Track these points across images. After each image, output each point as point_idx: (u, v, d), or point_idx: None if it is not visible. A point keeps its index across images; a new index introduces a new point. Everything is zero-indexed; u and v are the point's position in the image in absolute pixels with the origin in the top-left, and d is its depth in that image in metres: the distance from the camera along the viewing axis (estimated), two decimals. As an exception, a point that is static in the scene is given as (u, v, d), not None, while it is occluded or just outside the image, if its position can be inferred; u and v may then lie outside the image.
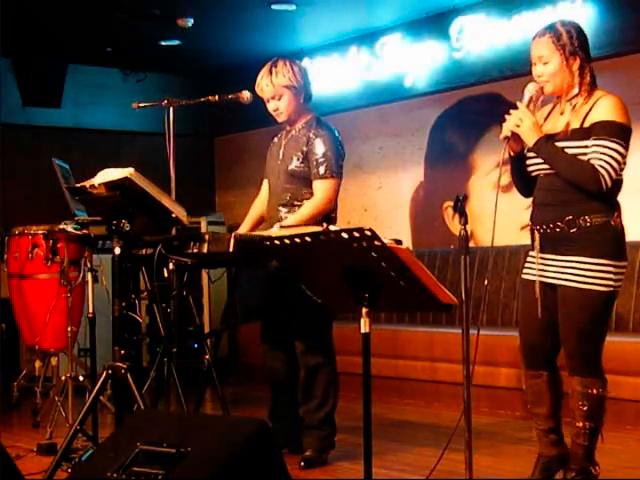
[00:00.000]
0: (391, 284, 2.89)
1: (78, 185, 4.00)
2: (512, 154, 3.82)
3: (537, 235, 3.77)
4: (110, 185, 3.83)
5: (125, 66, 8.73)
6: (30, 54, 8.05)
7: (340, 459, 4.59)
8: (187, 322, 5.21)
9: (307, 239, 2.91)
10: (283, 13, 7.12)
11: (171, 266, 4.51)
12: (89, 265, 5.17)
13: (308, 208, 4.50)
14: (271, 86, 4.52)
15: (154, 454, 2.86)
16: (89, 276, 5.15)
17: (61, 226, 5.02)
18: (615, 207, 3.70)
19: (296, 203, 4.55)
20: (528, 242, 3.89)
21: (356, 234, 2.79)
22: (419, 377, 6.44)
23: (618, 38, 6.20)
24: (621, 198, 3.73)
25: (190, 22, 7.22)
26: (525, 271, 3.87)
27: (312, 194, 4.54)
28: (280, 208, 4.57)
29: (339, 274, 2.93)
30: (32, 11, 6.86)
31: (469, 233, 3.37)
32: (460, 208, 3.36)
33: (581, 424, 3.70)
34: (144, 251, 4.35)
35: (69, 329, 5.18)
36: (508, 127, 3.71)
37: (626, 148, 3.64)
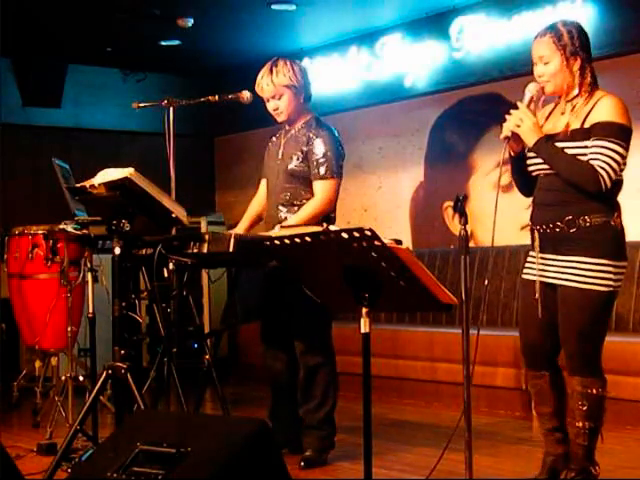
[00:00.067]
0: (391, 284, 2.89)
1: (78, 185, 4.00)
2: (512, 154, 3.82)
3: (537, 235, 3.77)
4: (110, 185, 3.83)
5: (125, 66, 8.73)
6: (30, 54, 8.05)
7: (340, 459, 4.59)
8: (187, 322, 5.21)
9: (307, 239, 2.91)
10: (283, 13, 7.12)
11: (171, 266, 4.51)
12: (89, 265, 5.17)
13: (309, 208, 4.50)
14: (271, 85, 4.52)
15: (154, 454, 2.86)
16: (89, 276, 5.15)
17: (61, 226, 5.02)
18: (615, 207, 3.70)
19: (296, 203, 4.55)
20: (528, 242, 3.89)
21: (356, 234, 2.79)
22: (419, 377, 6.43)
23: (618, 38, 6.20)
24: (621, 198, 3.73)
25: (190, 22, 7.22)
26: (525, 271, 3.87)
27: (311, 194, 4.54)
28: (280, 208, 4.57)
29: (339, 274, 2.93)
30: (32, 11, 6.86)
31: (469, 233, 3.37)
32: (460, 208, 3.36)
33: (581, 424, 3.70)
34: (144, 251, 4.35)
35: (69, 329, 5.18)
36: (508, 127, 3.71)
37: (626, 149, 3.64)
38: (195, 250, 4.18)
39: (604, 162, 3.58)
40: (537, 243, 3.77)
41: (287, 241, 2.96)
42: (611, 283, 3.65)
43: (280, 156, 4.63)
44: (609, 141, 3.59)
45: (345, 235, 2.81)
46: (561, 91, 3.75)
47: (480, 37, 6.94)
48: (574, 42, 3.69)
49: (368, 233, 2.77)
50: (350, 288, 2.94)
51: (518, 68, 6.34)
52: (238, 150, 9.03)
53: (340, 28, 7.64)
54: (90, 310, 5.01)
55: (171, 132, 4.64)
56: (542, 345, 3.81)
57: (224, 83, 7.87)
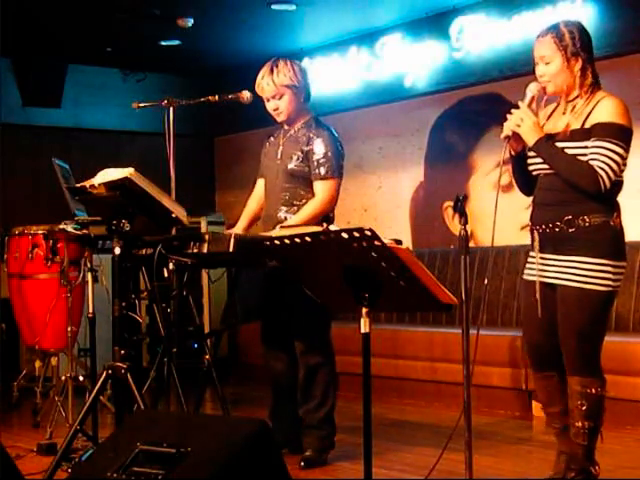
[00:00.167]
0: (391, 284, 2.89)
1: (78, 185, 4.00)
2: (513, 153, 3.82)
3: (537, 235, 3.77)
4: (110, 185, 3.83)
5: (125, 66, 8.73)
6: (30, 54, 8.05)
7: (340, 459, 4.59)
8: (187, 322, 5.22)
9: (307, 239, 2.91)
10: (283, 13, 7.12)
11: (171, 266, 4.51)
12: (89, 265, 5.17)
13: (309, 208, 4.50)
14: (272, 85, 4.52)
15: (154, 454, 2.86)
16: (89, 276, 5.15)
17: (61, 226, 5.02)
18: (615, 207, 3.70)
19: (295, 202, 4.55)
20: (528, 242, 3.89)
21: (356, 234, 2.79)
22: (419, 377, 6.43)
23: (618, 38, 6.20)
24: (621, 198, 3.73)
25: (190, 22, 7.22)
26: (526, 272, 3.87)
27: (311, 193, 4.54)
28: (280, 207, 4.57)
29: (339, 274, 2.93)
30: (32, 11, 6.86)
31: (469, 233, 3.37)
32: (460, 208, 3.36)
33: (580, 424, 3.70)
34: (144, 251, 4.35)
35: (69, 329, 5.18)
36: (509, 126, 3.72)
37: (626, 150, 3.64)
38: (195, 250, 4.18)
39: (604, 163, 3.58)
40: (537, 243, 3.77)
41: (287, 241, 2.96)
42: (610, 283, 3.65)
43: (279, 156, 4.63)
44: (609, 142, 3.59)
45: (345, 235, 2.81)
46: (562, 91, 3.75)
47: (480, 37, 6.94)
48: (575, 42, 3.69)
49: (368, 233, 2.77)
50: (350, 288, 2.94)
51: (518, 68, 6.35)
52: (238, 150, 9.03)
53: (340, 28, 7.64)
54: (90, 310, 5.01)
55: (171, 132, 4.64)
56: (547, 346, 3.79)
57: (224, 83, 7.87)
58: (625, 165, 3.67)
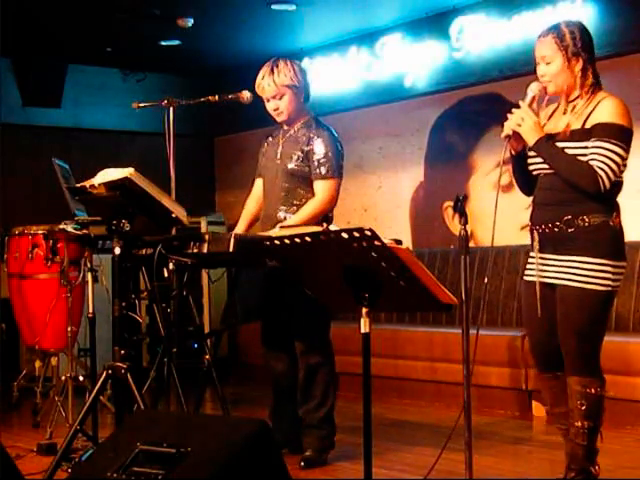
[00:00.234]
0: (391, 284, 2.89)
1: (78, 185, 4.01)
2: (513, 153, 3.82)
3: (536, 235, 3.77)
4: (110, 185, 3.83)
5: (125, 66, 8.72)
6: (30, 54, 8.05)
7: (340, 459, 4.59)
8: (187, 322, 5.22)
9: (307, 239, 2.91)
10: (283, 13, 7.12)
11: (171, 266, 4.51)
12: (89, 265, 5.18)
13: (310, 208, 4.50)
14: (273, 85, 4.52)
15: (154, 454, 2.86)
16: (89, 276, 5.15)
17: (61, 226, 5.02)
18: (614, 207, 3.70)
19: (295, 202, 4.55)
20: (528, 242, 3.89)
21: (356, 234, 2.79)
22: (419, 377, 6.43)
23: (618, 38, 6.19)
24: (621, 199, 3.73)
25: (190, 22, 7.22)
26: (526, 272, 3.86)
27: (311, 193, 4.54)
28: (279, 207, 4.57)
29: (339, 274, 2.93)
30: (32, 11, 6.86)
31: (469, 233, 3.37)
32: (460, 208, 3.36)
33: (580, 424, 3.70)
34: (144, 251, 4.35)
35: (69, 329, 5.18)
36: (509, 126, 3.72)
37: (626, 150, 3.64)
38: (195, 250, 4.18)
39: (604, 163, 3.58)
40: (536, 243, 3.77)
41: (287, 241, 2.96)
42: (610, 283, 3.65)
43: (279, 156, 4.63)
44: (609, 142, 3.59)
45: (345, 235, 2.81)
46: (562, 91, 3.75)
47: (480, 37, 6.94)
48: (576, 43, 3.69)
49: (368, 233, 2.77)
50: (350, 288, 2.94)
51: (518, 68, 6.35)
52: (238, 150, 9.03)
53: (340, 28, 7.64)
54: (90, 310, 5.01)
55: (171, 132, 4.64)
56: (550, 346, 3.78)
57: (224, 83, 7.87)
58: (625, 166, 3.67)
